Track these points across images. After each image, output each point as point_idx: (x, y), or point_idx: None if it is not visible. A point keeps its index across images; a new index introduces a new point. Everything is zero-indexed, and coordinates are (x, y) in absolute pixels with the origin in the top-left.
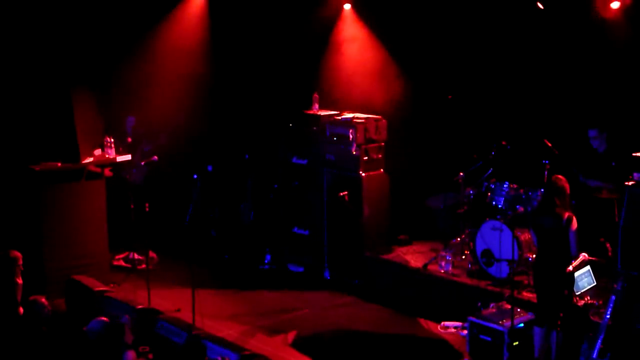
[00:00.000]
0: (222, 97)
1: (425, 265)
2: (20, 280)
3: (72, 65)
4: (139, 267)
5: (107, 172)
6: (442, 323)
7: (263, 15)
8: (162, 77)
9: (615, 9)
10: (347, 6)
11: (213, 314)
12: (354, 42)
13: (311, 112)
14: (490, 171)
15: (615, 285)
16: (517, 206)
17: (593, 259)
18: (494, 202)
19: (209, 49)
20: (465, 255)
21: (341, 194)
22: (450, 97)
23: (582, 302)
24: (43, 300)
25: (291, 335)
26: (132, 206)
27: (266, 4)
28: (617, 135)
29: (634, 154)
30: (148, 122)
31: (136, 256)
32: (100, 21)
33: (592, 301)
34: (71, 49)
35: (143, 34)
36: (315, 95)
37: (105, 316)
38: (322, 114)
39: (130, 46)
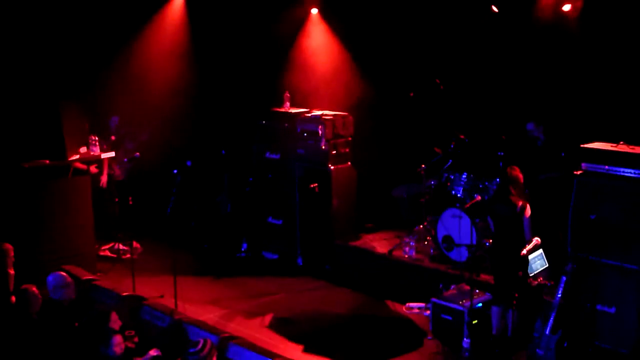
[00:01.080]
0: (200, 97)
1: (390, 251)
2: (12, 271)
3: (59, 72)
4: (124, 257)
5: (93, 168)
6: (407, 304)
7: (239, 19)
8: (144, 79)
9: (566, 11)
10: (314, 10)
11: (194, 299)
12: (321, 44)
13: (283, 109)
14: (449, 163)
15: (565, 267)
16: (475, 195)
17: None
18: (453, 192)
19: (188, 51)
20: (428, 241)
21: (311, 185)
22: (411, 94)
23: (535, 283)
24: (34, 289)
25: (268, 318)
26: (116, 200)
27: (241, 8)
28: (554, 127)
29: (582, 146)
30: (130, 121)
31: (121, 247)
32: (86, 27)
33: (544, 282)
34: (59, 57)
35: (127, 38)
36: (287, 94)
37: (96, 304)
38: (292, 111)
39: (114, 51)
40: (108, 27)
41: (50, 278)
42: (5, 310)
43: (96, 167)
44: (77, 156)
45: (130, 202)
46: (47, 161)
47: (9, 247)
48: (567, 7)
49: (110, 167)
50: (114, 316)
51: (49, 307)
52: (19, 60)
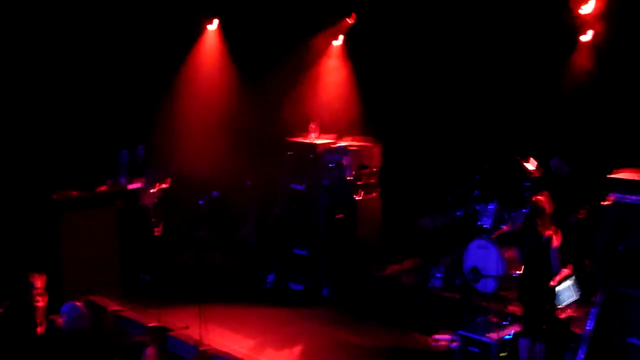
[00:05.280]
0: (223, 128)
1: (416, 282)
2: (39, 304)
3: (90, 104)
4: (149, 287)
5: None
6: (434, 336)
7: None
8: (174, 111)
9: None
10: (341, 37)
11: (219, 330)
12: (345, 72)
13: (308, 140)
14: (476, 193)
15: (594, 299)
16: (502, 225)
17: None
18: (480, 222)
19: (218, 82)
20: (454, 272)
21: (337, 216)
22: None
23: (564, 315)
24: (60, 320)
25: (294, 349)
26: (143, 230)
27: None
28: (580, 158)
29: (609, 176)
30: (157, 151)
31: (147, 277)
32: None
33: (574, 314)
34: (88, 89)
35: (162, 67)
36: (311, 125)
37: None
38: (318, 142)
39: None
40: (147, 61)
41: (64, 308)
42: (31, 342)
43: (123, 198)
44: (105, 187)
45: (157, 233)
46: (75, 192)
47: (37, 277)
48: (586, 37)
49: (138, 197)
50: (150, 351)
51: (67, 338)
52: (48, 92)
